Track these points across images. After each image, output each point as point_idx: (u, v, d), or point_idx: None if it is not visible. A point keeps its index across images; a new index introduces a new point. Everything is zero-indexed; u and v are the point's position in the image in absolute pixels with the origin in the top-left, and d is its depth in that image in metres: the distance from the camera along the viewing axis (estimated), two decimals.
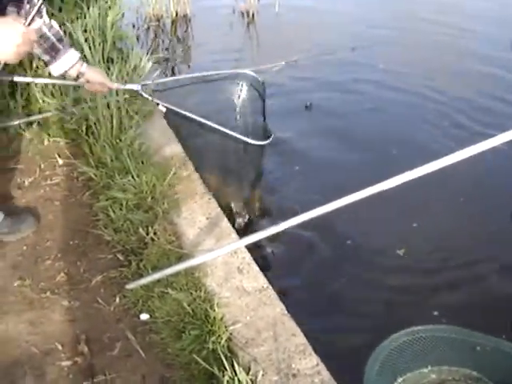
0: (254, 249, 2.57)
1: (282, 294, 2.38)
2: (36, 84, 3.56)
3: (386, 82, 5.03)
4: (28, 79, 3.24)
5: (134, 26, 6.64)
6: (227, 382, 1.95)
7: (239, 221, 3.13)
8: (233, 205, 3.23)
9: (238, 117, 3.60)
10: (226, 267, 2.49)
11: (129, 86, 3.22)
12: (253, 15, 6.99)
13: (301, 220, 1.85)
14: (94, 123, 3.33)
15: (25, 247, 2.78)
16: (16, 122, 3.61)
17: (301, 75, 5.14)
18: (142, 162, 3.05)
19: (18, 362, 2.22)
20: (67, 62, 2.57)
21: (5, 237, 2.78)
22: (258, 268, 2.50)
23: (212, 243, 2.61)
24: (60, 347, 2.27)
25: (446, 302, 2.77)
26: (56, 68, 2.58)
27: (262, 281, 2.43)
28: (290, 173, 3.80)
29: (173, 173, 3.00)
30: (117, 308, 2.42)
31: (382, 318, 2.67)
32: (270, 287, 2.40)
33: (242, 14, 7.08)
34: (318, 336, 2.22)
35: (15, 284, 2.57)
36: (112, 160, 2.99)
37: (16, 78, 3.00)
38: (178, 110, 3.16)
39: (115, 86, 2.96)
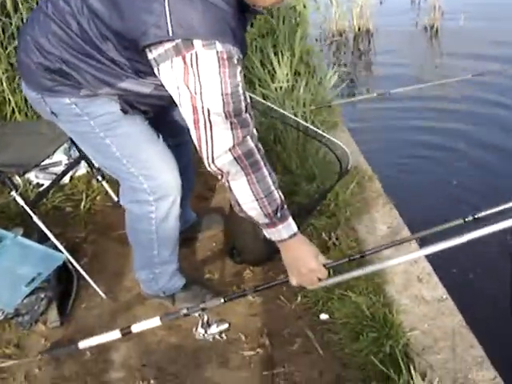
0: (434, 258, 2.57)
1: (462, 305, 2.38)
2: None
3: None
4: None
5: (316, 40, 6.83)
6: None
7: None
8: None
9: None
10: (405, 275, 2.54)
11: None
12: (436, 29, 6.92)
13: (485, 232, 1.84)
14: (281, 132, 3.51)
15: (214, 244, 3.00)
16: None
17: (487, 89, 5.05)
18: (327, 171, 3.17)
19: (203, 347, 2.40)
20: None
21: (197, 234, 3.02)
22: (437, 278, 2.52)
23: (392, 251, 2.66)
24: (243, 338, 2.43)
25: None
26: None
27: (442, 291, 2.44)
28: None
29: (356, 182, 3.10)
30: (298, 306, 2.54)
31: None
32: (449, 298, 2.41)
33: (425, 28, 7.04)
34: (496, 349, 2.19)
35: (205, 277, 2.78)
36: (297, 168, 3.13)
37: None
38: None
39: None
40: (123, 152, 2.05)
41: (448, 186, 3.82)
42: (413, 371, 2.01)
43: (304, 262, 1.85)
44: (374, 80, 6.00)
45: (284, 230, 1.82)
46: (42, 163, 2.80)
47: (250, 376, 2.26)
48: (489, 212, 1.83)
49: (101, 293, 2.67)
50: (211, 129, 1.65)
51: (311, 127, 2.83)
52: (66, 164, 3.30)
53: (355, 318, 2.35)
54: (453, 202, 3.61)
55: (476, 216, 1.83)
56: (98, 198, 3.37)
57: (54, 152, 2.79)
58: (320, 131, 2.84)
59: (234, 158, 1.69)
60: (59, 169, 3.29)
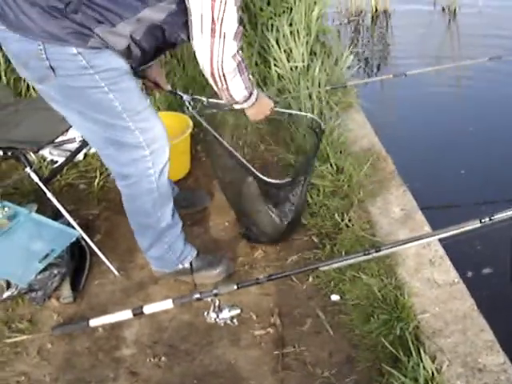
0: (447, 242, 2.56)
1: (473, 290, 2.38)
2: None
3: None
4: None
5: (333, 20, 6.75)
6: (412, 367, 1.99)
7: None
8: None
9: None
10: (417, 258, 2.53)
11: (179, 93, 2.73)
12: (454, 11, 6.83)
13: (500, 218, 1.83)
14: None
15: (227, 223, 3.01)
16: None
17: (505, 72, 4.96)
18: (340, 152, 3.16)
19: (215, 326, 2.42)
20: None
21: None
22: (450, 262, 2.51)
23: (405, 234, 2.66)
24: (254, 317, 2.44)
25: None
26: None
27: (454, 275, 2.44)
28: None
29: (369, 163, 3.08)
30: (309, 287, 2.55)
31: None
32: (461, 282, 2.40)
33: (443, 9, 6.94)
34: (507, 334, 2.19)
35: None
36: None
37: None
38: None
39: (168, 87, 2.69)
40: (125, 106, 2.07)
41: (463, 170, 3.77)
42: (423, 354, 2.01)
43: (266, 106, 2.45)
44: (390, 61, 5.94)
45: (253, 97, 2.28)
46: (57, 140, 2.80)
47: (261, 355, 2.28)
48: (505, 214, 1.83)
49: (114, 270, 2.69)
50: (224, 38, 1.92)
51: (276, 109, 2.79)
52: (80, 141, 3.29)
53: (366, 299, 2.36)
54: (467, 187, 3.58)
55: (492, 217, 1.83)
56: (111, 175, 3.37)
57: (69, 129, 2.79)
58: (282, 110, 2.89)
59: (237, 64, 2.04)
60: (73, 146, 3.28)
